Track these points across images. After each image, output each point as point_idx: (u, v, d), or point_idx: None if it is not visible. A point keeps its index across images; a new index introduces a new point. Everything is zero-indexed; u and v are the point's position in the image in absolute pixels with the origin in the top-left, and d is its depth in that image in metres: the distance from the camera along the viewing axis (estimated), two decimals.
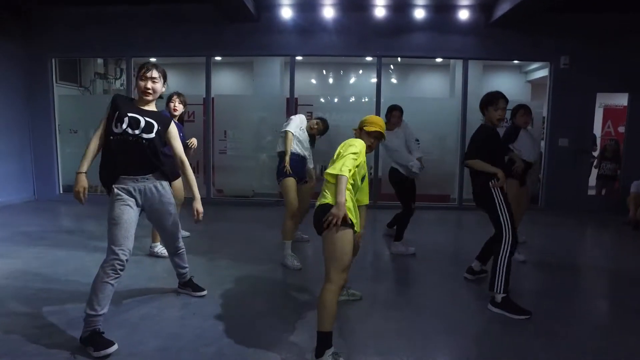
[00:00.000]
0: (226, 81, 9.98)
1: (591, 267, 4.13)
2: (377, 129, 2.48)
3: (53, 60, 6.87)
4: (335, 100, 7.32)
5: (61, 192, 7.01)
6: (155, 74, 2.49)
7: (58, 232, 4.93)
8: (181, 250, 2.97)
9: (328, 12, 6.37)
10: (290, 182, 3.82)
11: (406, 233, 4.31)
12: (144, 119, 2.46)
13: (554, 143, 6.65)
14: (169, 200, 2.66)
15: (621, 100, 8.93)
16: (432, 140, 6.92)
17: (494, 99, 3.10)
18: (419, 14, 6.35)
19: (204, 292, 3.07)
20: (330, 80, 10.15)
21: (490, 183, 3.01)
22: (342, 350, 2.29)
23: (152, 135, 2.47)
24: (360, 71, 10.01)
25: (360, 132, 2.53)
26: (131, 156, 2.44)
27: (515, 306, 2.84)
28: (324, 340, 2.13)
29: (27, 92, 6.73)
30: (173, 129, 2.64)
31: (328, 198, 2.26)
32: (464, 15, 6.36)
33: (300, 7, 6.41)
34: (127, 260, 2.35)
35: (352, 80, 10.12)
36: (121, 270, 2.33)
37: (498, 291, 2.86)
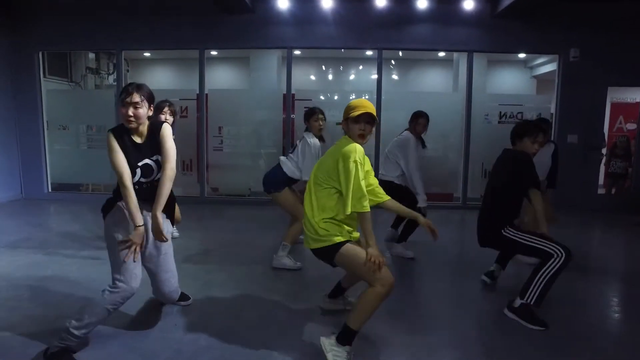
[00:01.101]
0: (222, 76, 9.72)
1: (603, 270, 3.87)
2: (364, 111, 2.12)
3: (40, 54, 6.60)
4: (335, 97, 7.04)
5: (49, 190, 6.75)
6: (136, 97, 2.15)
7: (45, 232, 4.66)
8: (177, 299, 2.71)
9: (326, 3, 6.09)
10: (287, 192, 3.57)
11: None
12: (152, 161, 2.23)
13: (562, 140, 6.36)
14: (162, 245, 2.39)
15: (632, 94, 8.68)
16: (435, 137, 6.62)
17: (533, 132, 2.77)
18: (422, 4, 6.07)
19: (189, 301, 2.81)
20: (330, 76, 9.88)
21: (504, 229, 2.70)
22: None
23: None
24: (360, 66, 9.73)
25: (346, 124, 2.18)
26: (149, 195, 2.24)
27: (532, 315, 2.58)
28: (349, 336, 2.08)
29: (12, 86, 6.45)
30: (165, 130, 2.27)
31: (318, 244, 2.15)
32: (468, 5, 6.08)
33: None
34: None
35: (352, 76, 9.84)
36: (128, 299, 2.15)
37: (529, 301, 2.57)
